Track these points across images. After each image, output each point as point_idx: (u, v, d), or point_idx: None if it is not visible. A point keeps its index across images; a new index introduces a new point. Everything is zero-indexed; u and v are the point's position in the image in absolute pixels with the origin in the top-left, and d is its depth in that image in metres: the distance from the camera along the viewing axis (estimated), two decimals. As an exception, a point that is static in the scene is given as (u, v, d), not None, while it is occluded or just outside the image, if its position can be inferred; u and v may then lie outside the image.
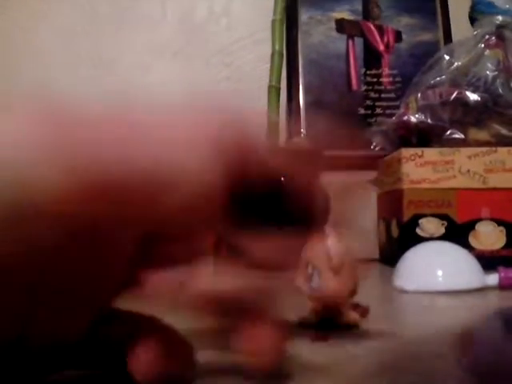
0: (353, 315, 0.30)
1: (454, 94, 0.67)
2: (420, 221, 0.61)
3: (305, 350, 0.26)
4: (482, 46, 0.70)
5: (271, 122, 0.80)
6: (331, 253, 0.29)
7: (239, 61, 0.86)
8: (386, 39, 0.85)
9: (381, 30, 0.85)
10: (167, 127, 0.16)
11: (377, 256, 0.76)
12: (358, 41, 0.85)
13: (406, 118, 0.69)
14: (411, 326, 0.33)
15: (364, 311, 0.33)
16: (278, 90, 0.74)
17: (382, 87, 0.85)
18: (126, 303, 0.19)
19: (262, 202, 0.18)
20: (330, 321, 0.30)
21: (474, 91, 0.67)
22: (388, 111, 0.82)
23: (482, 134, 0.66)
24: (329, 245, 0.29)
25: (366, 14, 0.86)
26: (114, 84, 0.82)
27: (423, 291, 0.43)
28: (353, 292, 0.30)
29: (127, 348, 0.18)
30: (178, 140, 0.16)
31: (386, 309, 0.39)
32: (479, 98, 0.67)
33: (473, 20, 0.77)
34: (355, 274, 0.30)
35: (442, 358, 0.24)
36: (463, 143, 0.64)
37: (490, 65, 0.69)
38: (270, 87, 0.75)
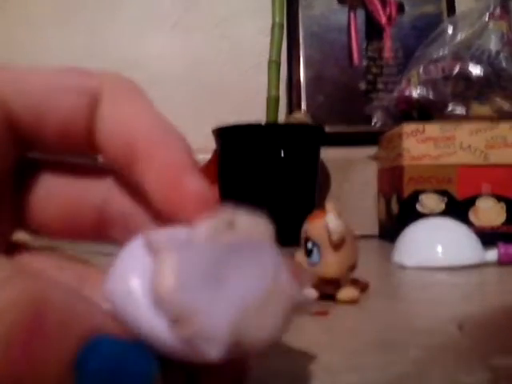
0: (352, 290, 0.30)
1: (457, 68, 0.66)
2: (420, 197, 0.61)
3: (304, 324, 0.26)
4: (486, 18, 0.69)
5: (272, 97, 0.78)
6: (331, 229, 0.29)
7: (239, 33, 0.84)
8: (388, 11, 0.83)
9: (383, 2, 0.84)
10: None
11: (376, 232, 0.77)
12: (360, 13, 0.83)
13: (407, 92, 0.68)
14: (410, 301, 0.33)
15: (363, 286, 0.33)
16: (278, 64, 0.72)
17: (384, 62, 0.83)
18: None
19: None
20: (330, 296, 0.30)
21: (477, 65, 0.66)
22: (389, 86, 0.81)
23: (484, 109, 0.65)
24: (328, 221, 0.29)
25: (369, -14, 0.84)
26: (113, 55, 0.81)
27: (423, 267, 0.43)
28: (352, 267, 0.30)
29: None
30: None
31: (386, 284, 0.39)
32: (482, 72, 0.66)
33: (477, -9, 0.75)
34: (355, 250, 0.30)
35: (442, 333, 0.24)
36: (465, 118, 0.64)
37: (493, 37, 0.68)
38: (270, 62, 0.74)
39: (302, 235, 0.31)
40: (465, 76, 0.66)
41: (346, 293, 0.30)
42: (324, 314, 0.27)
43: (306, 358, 0.20)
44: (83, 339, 0.11)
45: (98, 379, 0.10)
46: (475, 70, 0.66)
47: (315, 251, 0.30)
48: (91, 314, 0.11)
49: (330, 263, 0.29)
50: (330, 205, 0.30)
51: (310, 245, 0.30)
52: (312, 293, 0.30)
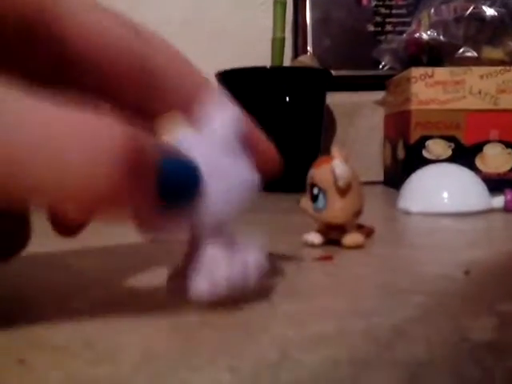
0: (358, 236, 0.30)
1: (470, 9, 0.64)
2: (427, 143, 0.60)
3: (309, 269, 0.26)
4: (503, -45, 0.65)
5: (277, 39, 0.77)
6: (337, 174, 0.28)
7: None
8: None
9: None
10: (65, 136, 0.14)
11: (381, 179, 0.76)
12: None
13: (417, 35, 0.66)
14: (416, 246, 0.33)
15: (369, 232, 0.33)
16: (284, 4, 0.70)
17: (393, 2, 0.80)
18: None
19: None
20: (335, 241, 0.30)
21: (490, 6, 0.64)
22: (399, 28, 0.79)
23: (496, 52, 0.63)
24: (335, 166, 0.28)
25: None
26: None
27: (428, 213, 0.43)
28: (358, 213, 0.30)
29: None
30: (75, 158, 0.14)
31: (391, 230, 0.39)
32: (496, 14, 0.63)
33: None
34: (361, 196, 0.30)
35: (447, 278, 0.24)
36: (476, 62, 0.62)
37: (509, -23, 0.65)
38: (275, 2, 0.71)
39: (308, 181, 0.30)
40: (478, 17, 0.64)
41: (352, 238, 0.30)
42: (329, 258, 0.27)
43: (310, 302, 0.20)
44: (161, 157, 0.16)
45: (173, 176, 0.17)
46: (489, 11, 0.63)
47: (321, 197, 0.29)
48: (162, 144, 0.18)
49: (336, 209, 0.29)
50: (336, 150, 0.29)
51: (315, 190, 0.29)
52: (317, 238, 0.30)
